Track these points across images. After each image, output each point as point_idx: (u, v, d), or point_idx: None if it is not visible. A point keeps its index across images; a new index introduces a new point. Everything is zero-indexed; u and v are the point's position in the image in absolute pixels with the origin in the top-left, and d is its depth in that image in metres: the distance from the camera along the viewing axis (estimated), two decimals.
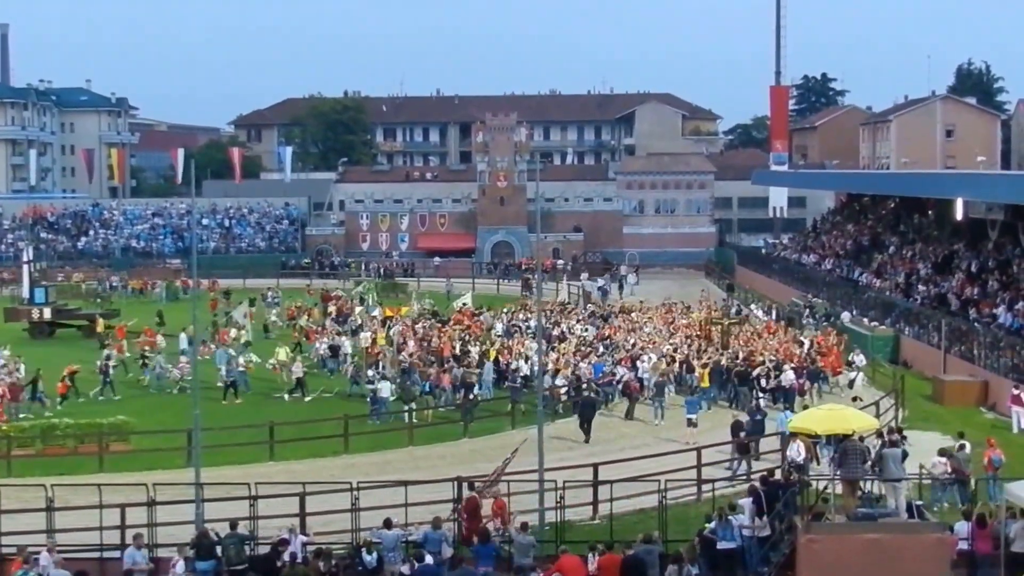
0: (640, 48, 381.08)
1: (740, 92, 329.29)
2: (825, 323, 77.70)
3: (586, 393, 54.97)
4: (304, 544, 32.40)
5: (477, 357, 63.79)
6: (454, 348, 66.16)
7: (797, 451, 42.01)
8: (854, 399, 55.25)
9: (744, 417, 49.82)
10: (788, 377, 55.12)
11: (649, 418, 55.34)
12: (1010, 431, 52.16)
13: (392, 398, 57.91)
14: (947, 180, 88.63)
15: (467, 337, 70.18)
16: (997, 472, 40.32)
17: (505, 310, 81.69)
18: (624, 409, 56.59)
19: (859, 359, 63.25)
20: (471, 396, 57.26)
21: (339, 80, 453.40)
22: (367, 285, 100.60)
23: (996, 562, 31.36)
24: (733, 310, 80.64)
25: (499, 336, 71.45)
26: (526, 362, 60.22)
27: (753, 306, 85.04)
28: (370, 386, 58.72)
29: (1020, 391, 53.38)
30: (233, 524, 33.02)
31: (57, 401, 58.82)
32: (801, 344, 65.91)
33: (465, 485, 35.82)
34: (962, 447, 41.93)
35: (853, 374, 60.52)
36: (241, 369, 62.86)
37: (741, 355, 60.89)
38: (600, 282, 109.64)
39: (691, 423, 50.78)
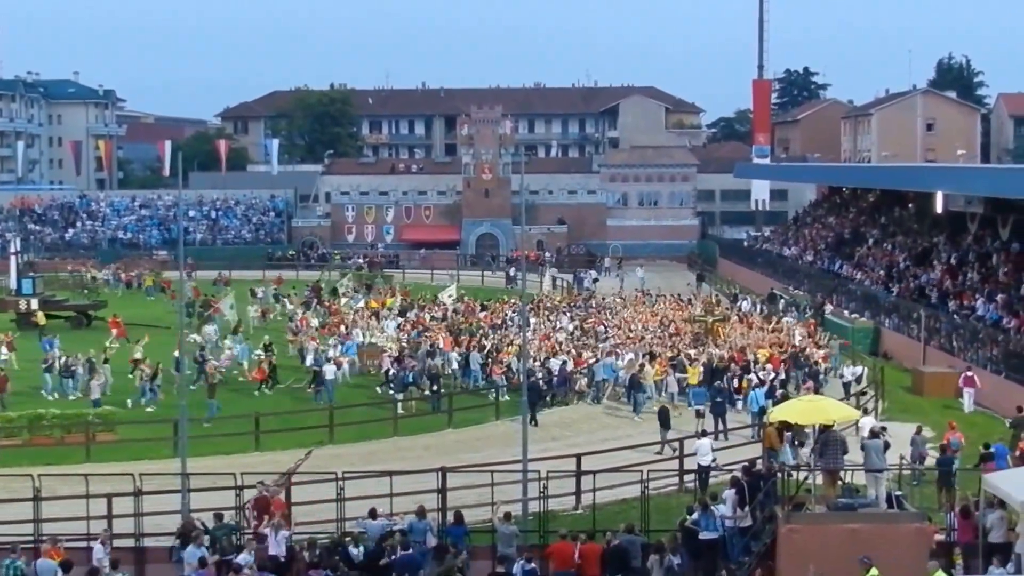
0: (624, 42, 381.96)
1: (723, 86, 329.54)
2: (807, 315, 78.01)
3: (531, 378, 54.95)
4: (287, 538, 32.34)
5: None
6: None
7: (703, 450, 42.67)
8: (861, 393, 55.82)
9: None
10: (755, 379, 54.45)
11: (627, 412, 55.68)
12: (962, 411, 53.97)
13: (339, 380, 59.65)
14: (927, 173, 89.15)
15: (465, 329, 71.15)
16: (956, 454, 41.69)
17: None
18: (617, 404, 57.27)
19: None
20: (436, 388, 57.79)
21: (325, 73, 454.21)
22: (325, 277, 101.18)
23: (976, 552, 31.60)
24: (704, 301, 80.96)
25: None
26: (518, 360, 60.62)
27: (745, 302, 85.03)
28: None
29: (973, 373, 55.54)
30: (219, 515, 33.22)
31: (262, 387, 60.11)
32: (791, 336, 65.94)
33: (258, 484, 35.56)
34: (919, 430, 44.31)
35: (859, 369, 60.66)
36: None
37: (727, 354, 60.42)
38: (592, 274, 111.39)
39: (699, 414, 50.54)
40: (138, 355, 60.71)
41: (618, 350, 61.88)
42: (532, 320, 73.04)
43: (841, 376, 56.85)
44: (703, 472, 41.95)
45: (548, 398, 57.15)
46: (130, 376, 58.78)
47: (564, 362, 60.07)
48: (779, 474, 33.61)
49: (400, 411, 55.02)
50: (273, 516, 33.51)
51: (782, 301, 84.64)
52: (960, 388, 56.23)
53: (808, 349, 61.90)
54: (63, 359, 61.35)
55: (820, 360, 60.18)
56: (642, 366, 57.50)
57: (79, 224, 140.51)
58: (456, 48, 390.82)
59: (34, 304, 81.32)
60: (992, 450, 41.26)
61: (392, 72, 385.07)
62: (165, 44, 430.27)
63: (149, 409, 55.61)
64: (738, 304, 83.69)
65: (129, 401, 56.39)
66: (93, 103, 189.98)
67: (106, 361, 59.80)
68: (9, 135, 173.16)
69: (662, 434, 48.06)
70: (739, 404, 53.82)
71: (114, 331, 72.58)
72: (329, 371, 59.45)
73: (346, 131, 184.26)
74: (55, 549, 30.81)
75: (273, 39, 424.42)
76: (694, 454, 42.80)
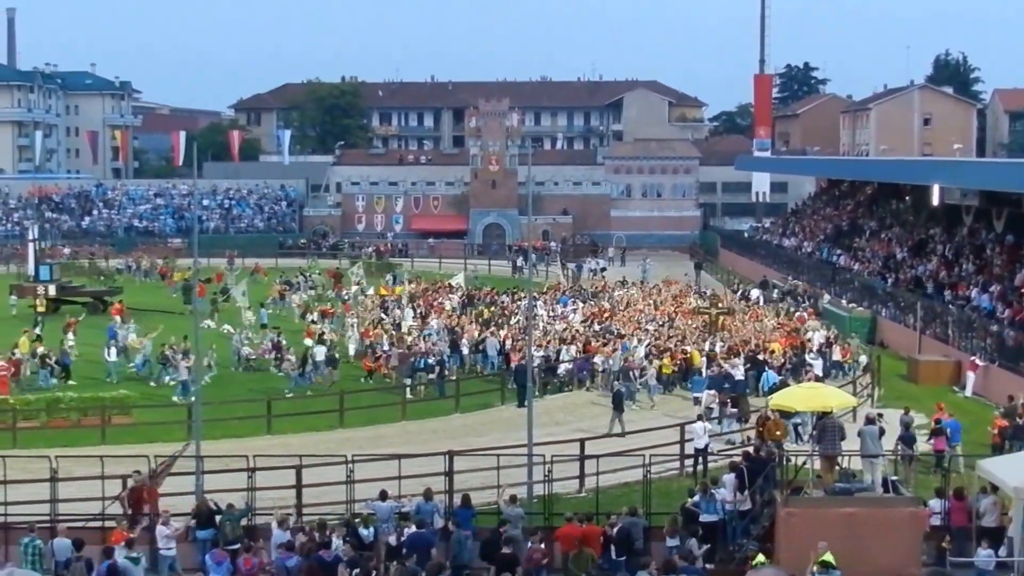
0: (628, 37, 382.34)
1: (725, 80, 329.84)
2: (805, 304, 78.59)
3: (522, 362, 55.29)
4: (293, 530, 32.40)
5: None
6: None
7: (697, 433, 43.65)
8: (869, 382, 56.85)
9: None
10: (739, 372, 54.84)
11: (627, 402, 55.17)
12: (959, 398, 55.34)
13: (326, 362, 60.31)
14: (924, 167, 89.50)
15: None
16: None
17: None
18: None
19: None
20: (445, 372, 58.61)
21: (337, 66, 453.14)
22: (312, 266, 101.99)
23: (969, 535, 32.29)
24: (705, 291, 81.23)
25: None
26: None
27: (755, 291, 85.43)
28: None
29: (976, 359, 56.87)
30: (229, 505, 33.59)
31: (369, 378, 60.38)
32: (802, 332, 65.34)
33: (133, 473, 35.73)
34: (907, 411, 45.03)
35: (864, 358, 61.41)
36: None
37: (723, 346, 60.19)
38: (600, 262, 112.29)
39: (698, 401, 51.75)
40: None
41: (626, 342, 62.17)
42: (560, 308, 74.28)
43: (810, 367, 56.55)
44: (700, 455, 43.13)
45: (547, 384, 57.92)
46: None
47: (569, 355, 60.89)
48: (778, 459, 34.31)
49: (408, 396, 55.71)
50: (144, 504, 34.41)
51: (775, 291, 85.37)
52: (965, 373, 57.38)
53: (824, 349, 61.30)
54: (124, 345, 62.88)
55: (841, 356, 60.38)
56: (650, 358, 58.34)
57: (95, 212, 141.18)
58: (464, 42, 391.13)
59: (52, 290, 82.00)
60: (943, 425, 43.37)
61: (402, 66, 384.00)
62: (180, 37, 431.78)
63: (310, 394, 56.62)
64: (746, 294, 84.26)
65: (288, 392, 57.32)
66: (110, 94, 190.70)
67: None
68: (27, 125, 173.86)
69: (614, 416, 49.20)
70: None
71: (117, 317, 73.40)
72: (319, 352, 60.54)
73: (356, 123, 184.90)
74: (119, 531, 31.38)
75: (285, 33, 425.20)
76: (691, 439, 43.78)
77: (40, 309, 78.01)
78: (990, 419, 46.41)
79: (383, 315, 73.89)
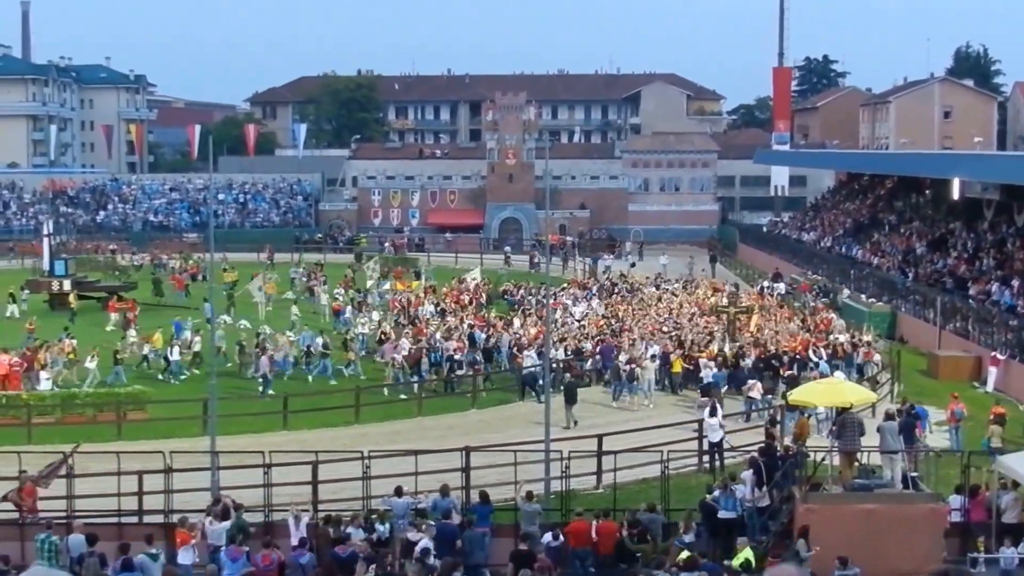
0: (646, 29, 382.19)
1: (744, 73, 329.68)
2: (824, 299, 78.21)
3: (531, 367, 55.69)
4: (309, 526, 32.56)
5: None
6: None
7: (713, 426, 43.68)
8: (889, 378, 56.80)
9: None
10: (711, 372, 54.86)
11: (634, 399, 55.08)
12: (984, 391, 55.47)
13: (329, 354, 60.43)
14: (944, 160, 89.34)
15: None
16: (959, 423, 44.92)
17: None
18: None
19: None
20: (457, 371, 58.36)
21: (352, 59, 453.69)
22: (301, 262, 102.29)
23: (988, 531, 32.09)
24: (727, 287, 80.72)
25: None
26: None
27: (781, 285, 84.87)
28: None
29: (997, 354, 56.89)
30: (236, 507, 33.39)
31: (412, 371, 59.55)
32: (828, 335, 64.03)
33: (21, 474, 35.75)
34: (905, 402, 45.65)
35: (878, 356, 60.97)
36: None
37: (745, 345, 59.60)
38: (630, 258, 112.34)
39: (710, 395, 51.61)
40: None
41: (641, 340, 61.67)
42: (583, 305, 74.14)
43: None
44: (714, 449, 43.13)
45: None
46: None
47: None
48: (796, 455, 34.17)
49: (416, 390, 55.88)
50: (27, 500, 34.53)
51: (781, 286, 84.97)
52: (986, 368, 57.34)
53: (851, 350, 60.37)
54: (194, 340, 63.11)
55: (864, 357, 59.37)
56: (665, 357, 58.01)
57: (110, 207, 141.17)
58: (481, 35, 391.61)
59: (67, 285, 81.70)
60: (916, 411, 43.85)
61: (418, 59, 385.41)
62: (195, 30, 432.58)
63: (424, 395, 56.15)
64: (771, 288, 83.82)
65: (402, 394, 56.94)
66: (124, 88, 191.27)
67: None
68: (42, 119, 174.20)
69: (567, 409, 49.42)
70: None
71: (113, 315, 73.37)
72: (318, 343, 60.79)
73: (372, 116, 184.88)
74: (183, 532, 31.28)
75: (301, 26, 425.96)
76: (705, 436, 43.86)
77: (72, 305, 78.04)
78: (1013, 413, 46.38)
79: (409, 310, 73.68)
